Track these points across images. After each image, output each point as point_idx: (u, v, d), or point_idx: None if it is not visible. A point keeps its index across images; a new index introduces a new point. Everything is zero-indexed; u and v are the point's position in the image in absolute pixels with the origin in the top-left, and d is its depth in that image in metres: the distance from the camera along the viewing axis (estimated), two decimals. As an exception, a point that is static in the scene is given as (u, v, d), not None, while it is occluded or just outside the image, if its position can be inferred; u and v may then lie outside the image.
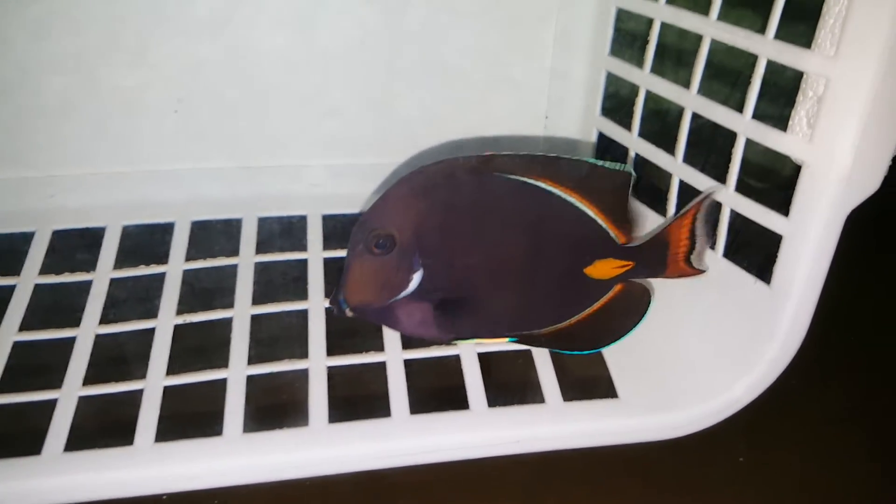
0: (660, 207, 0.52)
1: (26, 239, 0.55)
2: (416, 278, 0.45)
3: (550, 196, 0.44)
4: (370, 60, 0.58)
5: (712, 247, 0.48)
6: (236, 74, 0.57)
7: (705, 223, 0.47)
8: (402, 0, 0.56)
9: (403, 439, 0.43)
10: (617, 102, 0.57)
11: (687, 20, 0.48)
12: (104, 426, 0.44)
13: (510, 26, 0.58)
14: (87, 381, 0.45)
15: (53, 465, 0.41)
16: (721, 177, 0.46)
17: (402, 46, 0.58)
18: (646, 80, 0.52)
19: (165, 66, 0.56)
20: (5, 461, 0.41)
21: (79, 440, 0.42)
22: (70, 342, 0.47)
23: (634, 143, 0.54)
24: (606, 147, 0.58)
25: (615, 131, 0.56)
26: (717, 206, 0.47)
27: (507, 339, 0.47)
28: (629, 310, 0.47)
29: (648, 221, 0.54)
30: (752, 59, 0.43)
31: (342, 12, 0.56)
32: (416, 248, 0.44)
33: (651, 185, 0.53)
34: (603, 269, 0.46)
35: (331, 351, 0.47)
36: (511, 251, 0.45)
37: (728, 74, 0.47)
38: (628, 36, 0.55)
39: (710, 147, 0.48)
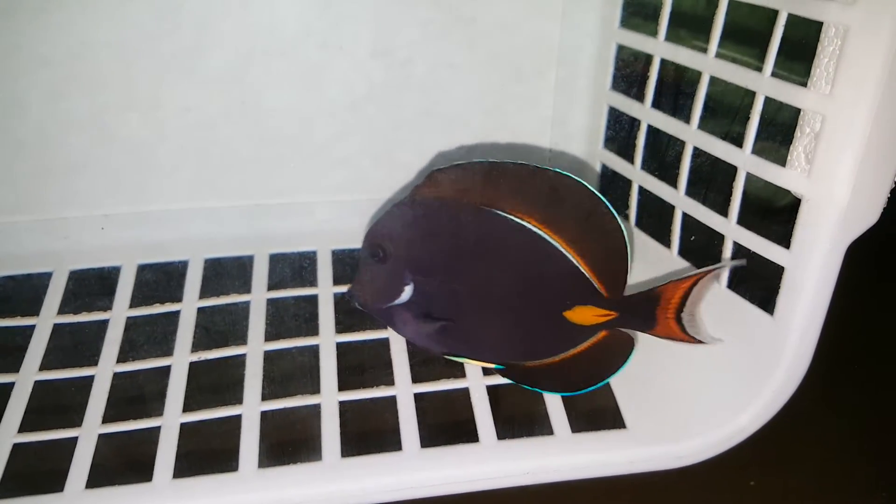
0: (664, 239, 0.53)
1: (44, 279, 0.56)
2: (408, 290, 0.48)
3: (540, 241, 0.46)
4: (376, 112, 0.60)
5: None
6: (249, 126, 0.59)
7: (702, 293, 0.47)
8: (406, 56, 0.58)
9: (415, 473, 0.44)
10: (619, 135, 0.58)
11: (686, 57, 0.49)
12: (124, 463, 0.45)
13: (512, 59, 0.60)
14: (107, 419, 0.46)
15: (76, 503, 0.42)
16: (723, 209, 0.47)
17: (405, 99, 0.60)
18: (647, 114, 0.53)
19: (179, 119, 0.58)
20: (30, 498, 0.42)
21: (100, 477, 0.43)
22: (89, 381, 0.49)
23: (637, 175, 0.55)
24: (610, 179, 0.59)
25: (618, 164, 0.57)
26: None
27: (493, 366, 0.48)
28: (610, 357, 0.47)
29: (651, 252, 0.54)
30: (750, 95, 0.44)
31: (351, 68, 0.58)
32: (406, 263, 0.47)
33: (655, 218, 0.54)
34: (584, 315, 0.47)
35: (342, 386, 0.48)
36: (493, 284, 0.47)
37: (728, 109, 0.47)
38: (629, 71, 0.56)
39: (712, 180, 0.49)
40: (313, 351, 0.51)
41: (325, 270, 0.58)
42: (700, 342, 0.46)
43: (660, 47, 0.51)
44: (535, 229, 0.45)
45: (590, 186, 0.44)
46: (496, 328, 0.48)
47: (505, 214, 0.46)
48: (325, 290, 0.56)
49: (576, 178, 0.45)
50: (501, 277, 0.47)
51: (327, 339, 0.51)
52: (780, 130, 0.43)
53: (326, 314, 0.54)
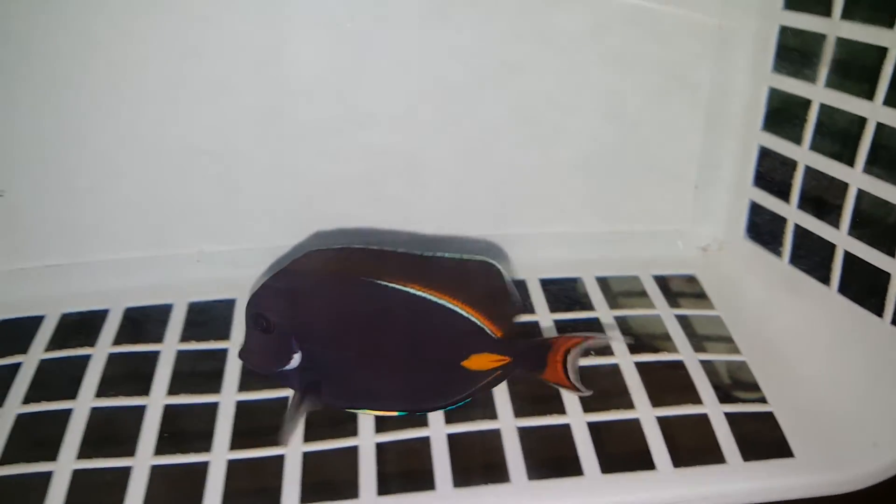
0: (822, 276, 0.55)
1: (100, 316, 0.60)
2: (297, 358, 0.49)
3: (420, 300, 0.48)
4: (601, 167, 0.64)
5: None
6: (489, 178, 0.64)
7: (581, 353, 0.50)
8: (635, 118, 0.62)
9: (597, 497, 0.47)
10: (770, 173, 0.60)
11: (849, 103, 0.51)
12: (175, 497, 0.48)
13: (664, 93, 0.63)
14: (159, 450, 0.49)
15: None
16: (891, 250, 0.49)
17: (629, 150, 0.64)
18: (805, 156, 0.55)
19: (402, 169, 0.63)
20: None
21: None
22: (141, 410, 0.52)
23: (793, 214, 0.57)
24: (758, 216, 0.61)
25: (770, 202, 0.59)
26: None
27: (396, 413, 0.50)
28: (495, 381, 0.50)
29: (809, 289, 0.57)
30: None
31: (582, 128, 0.62)
32: (291, 333, 0.49)
33: (811, 256, 0.56)
34: (480, 361, 0.49)
35: (518, 413, 0.51)
36: (383, 349, 0.49)
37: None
38: (783, 111, 0.58)
39: (880, 220, 0.51)
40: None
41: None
42: (578, 390, 0.49)
43: (819, 92, 0.53)
44: (416, 292, 0.48)
45: (460, 255, 0.50)
46: (396, 384, 0.50)
47: (384, 283, 0.48)
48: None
49: (444, 254, 0.50)
50: (390, 342, 0.49)
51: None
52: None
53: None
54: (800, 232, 0.57)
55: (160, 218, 0.62)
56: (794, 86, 0.55)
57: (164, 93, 0.58)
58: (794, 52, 0.56)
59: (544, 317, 0.59)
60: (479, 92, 0.60)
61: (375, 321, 0.49)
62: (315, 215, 0.63)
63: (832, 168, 0.53)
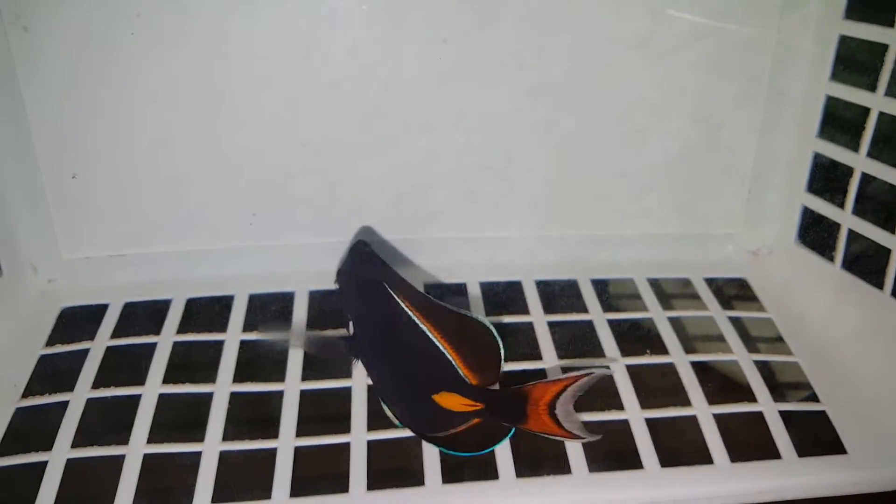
0: (876, 281, 0.56)
1: (164, 305, 0.62)
2: (350, 326, 0.54)
3: (415, 326, 0.50)
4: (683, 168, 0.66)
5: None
6: (576, 180, 0.66)
7: (572, 397, 0.48)
8: (714, 120, 0.64)
9: (657, 490, 0.48)
10: (825, 180, 0.61)
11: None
12: (245, 481, 0.49)
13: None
14: (227, 436, 0.51)
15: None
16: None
17: (683, 155, 0.66)
18: (862, 163, 0.56)
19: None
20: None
21: (221, 494, 0.47)
22: (208, 398, 0.53)
23: (848, 220, 0.58)
24: (811, 221, 0.63)
25: (824, 208, 0.60)
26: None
27: (397, 423, 0.51)
28: (482, 438, 0.49)
29: (864, 295, 0.58)
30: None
31: (667, 131, 0.64)
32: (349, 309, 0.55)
33: (866, 260, 0.57)
34: (451, 401, 0.49)
35: (577, 408, 0.52)
36: (386, 353, 0.52)
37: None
38: (840, 121, 0.59)
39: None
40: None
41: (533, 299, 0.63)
42: (578, 437, 0.47)
43: (879, 101, 0.54)
44: (411, 314, 0.50)
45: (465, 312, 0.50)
46: (390, 395, 0.52)
47: (395, 295, 0.51)
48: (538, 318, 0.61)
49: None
50: (387, 349, 0.52)
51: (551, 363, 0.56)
52: None
53: (546, 341, 0.59)
54: (852, 237, 0.58)
55: (226, 210, 0.64)
56: (852, 94, 0.57)
57: (269, 92, 0.60)
58: (854, 62, 0.57)
59: (597, 316, 0.61)
60: (574, 94, 0.62)
61: (380, 322, 0.52)
62: (405, 212, 0.65)
63: (890, 176, 0.54)
